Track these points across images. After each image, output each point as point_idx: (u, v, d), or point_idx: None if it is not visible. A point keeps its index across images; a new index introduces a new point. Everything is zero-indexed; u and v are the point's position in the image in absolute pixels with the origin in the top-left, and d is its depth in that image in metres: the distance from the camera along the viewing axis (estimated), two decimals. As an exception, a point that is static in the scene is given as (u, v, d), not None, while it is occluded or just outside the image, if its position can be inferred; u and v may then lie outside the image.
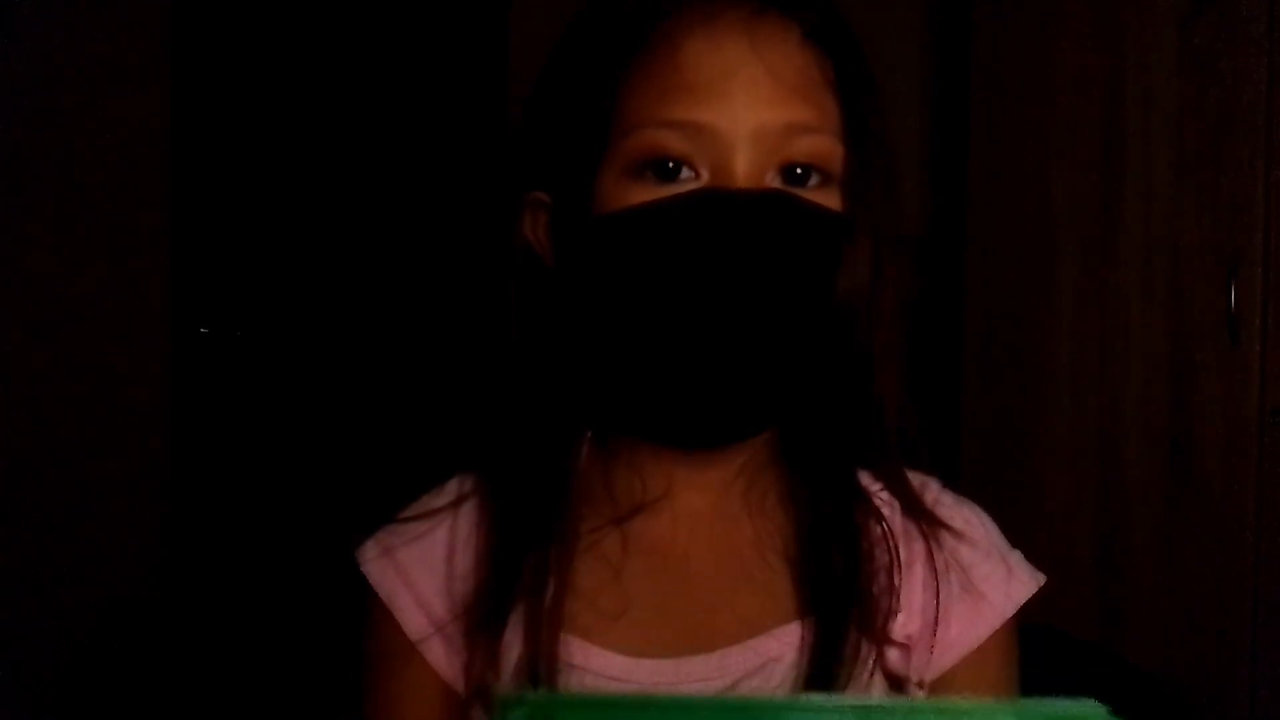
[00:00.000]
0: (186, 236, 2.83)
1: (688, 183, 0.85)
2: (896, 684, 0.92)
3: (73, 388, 2.58)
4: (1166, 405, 2.25)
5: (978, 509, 0.97)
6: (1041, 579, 0.96)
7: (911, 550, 0.93)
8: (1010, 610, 0.94)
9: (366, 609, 0.95)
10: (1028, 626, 0.97)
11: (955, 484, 0.99)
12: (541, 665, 0.88)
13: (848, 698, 0.66)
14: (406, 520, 0.96)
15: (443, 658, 0.92)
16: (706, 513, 0.93)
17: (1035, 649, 1.00)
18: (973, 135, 2.47)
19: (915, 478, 0.96)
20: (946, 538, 0.94)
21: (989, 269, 2.45)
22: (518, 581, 0.90)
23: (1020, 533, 1.00)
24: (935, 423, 2.52)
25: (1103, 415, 2.31)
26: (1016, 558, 0.96)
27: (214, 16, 3.03)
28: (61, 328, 2.57)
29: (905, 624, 0.91)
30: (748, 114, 0.85)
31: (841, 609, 0.89)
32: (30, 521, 2.51)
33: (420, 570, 0.93)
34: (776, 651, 0.89)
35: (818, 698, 0.49)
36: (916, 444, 0.96)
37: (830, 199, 0.88)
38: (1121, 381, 2.30)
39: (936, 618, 0.92)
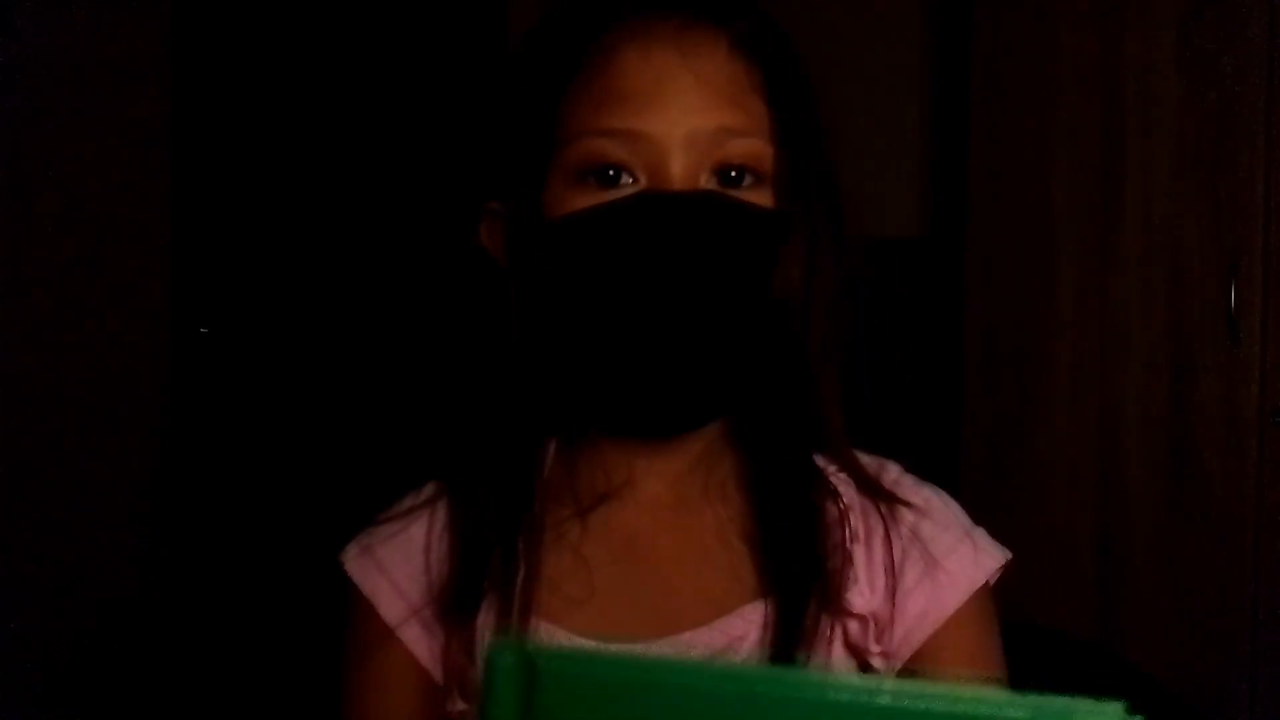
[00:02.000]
0: (186, 236, 2.83)
1: (627, 187, 0.90)
2: (858, 655, 0.95)
3: (73, 388, 2.57)
4: (1166, 405, 2.25)
5: (940, 490, 1.00)
6: (1007, 554, 0.98)
7: (868, 526, 0.96)
8: (980, 578, 0.96)
9: (348, 605, 0.99)
10: (1027, 626, 0.98)
11: (955, 484, 1.00)
12: None
13: (859, 678, 0.67)
14: (385, 520, 1.00)
15: (420, 643, 0.96)
16: (668, 500, 0.97)
17: (1035, 649, 1.00)
18: (973, 135, 2.47)
19: (872, 461, 0.99)
20: (906, 514, 0.96)
21: (989, 269, 2.45)
22: (488, 570, 0.94)
23: (1020, 533, 1.00)
24: (937, 422, 2.52)
25: (1103, 415, 2.31)
26: (980, 534, 0.98)
27: (214, 16, 3.03)
28: (61, 328, 2.56)
29: (865, 597, 0.94)
30: (680, 120, 0.90)
31: (801, 586, 0.92)
32: (29, 521, 2.51)
33: (398, 563, 0.97)
34: (741, 630, 0.92)
35: (827, 676, 0.49)
36: (903, 438, 0.98)
37: (763, 198, 0.92)
38: (1121, 382, 2.30)
39: (895, 589, 0.94)
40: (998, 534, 0.99)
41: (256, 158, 3.19)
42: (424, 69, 3.31)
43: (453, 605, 0.94)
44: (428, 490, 1.00)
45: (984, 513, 1.00)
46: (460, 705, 0.95)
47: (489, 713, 0.48)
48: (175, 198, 2.75)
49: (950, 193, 2.63)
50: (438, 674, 0.96)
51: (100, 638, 2.58)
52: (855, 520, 0.95)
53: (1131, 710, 0.49)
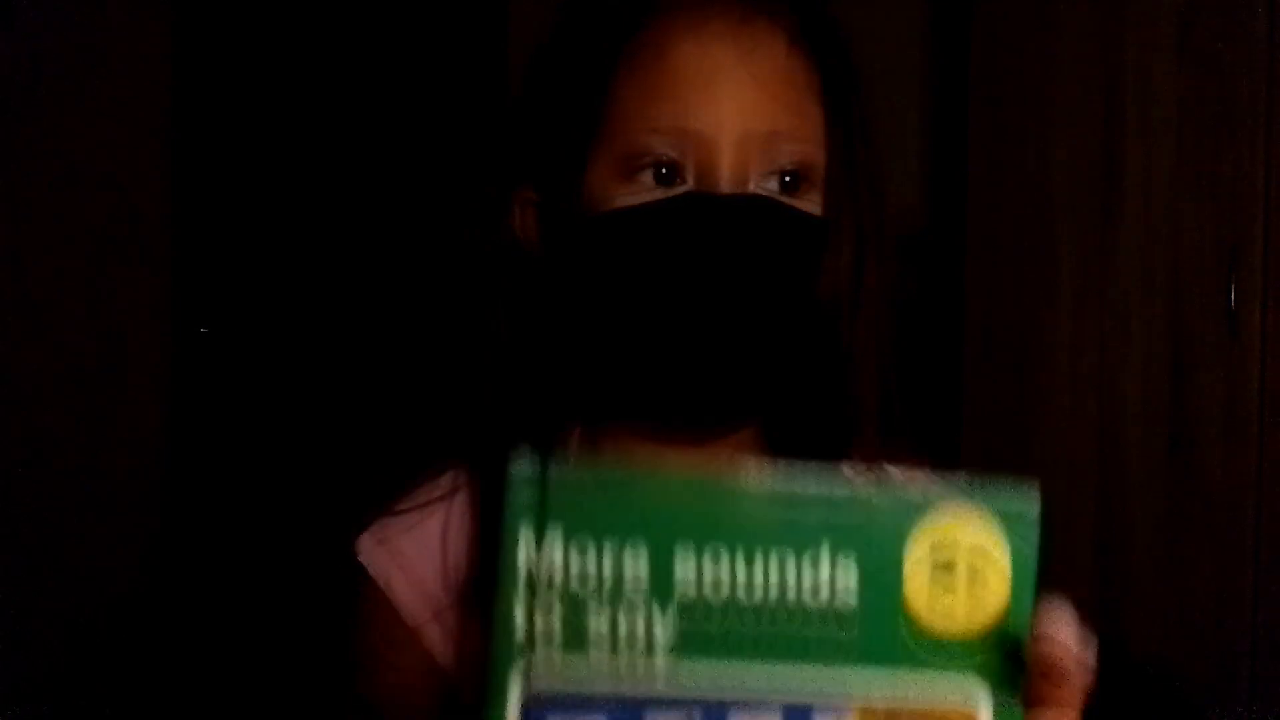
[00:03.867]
0: (186, 236, 2.83)
1: (674, 186, 0.87)
2: None
3: (73, 388, 2.57)
4: (1166, 402, 2.25)
5: None
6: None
7: None
8: None
9: (363, 600, 0.96)
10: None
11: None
12: None
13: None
14: (401, 511, 0.97)
15: (440, 643, 0.93)
16: None
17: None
18: (972, 134, 2.47)
19: (899, 473, 0.96)
20: None
21: (989, 267, 2.45)
22: None
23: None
24: (935, 420, 2.52)
25: (1103, 413, 2.31)
26: None
27: (214, 16, 3.03)
28: (62, 328, 2.56)
29: None
30: (733, 120, 0.86)
31: None
32: (29, 521, 2.51)
33: (416, 557, 0.95)
34: None
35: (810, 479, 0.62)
36: (910, 439, 0.96)
37: (813, 202, 0.90)
38: (1121, 378, 2.30)
39: None
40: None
41: (257, 157, 3.19)
42: (424, 67, 3.31)
43: (469, 602, 0.91)
44: (445, 479, 0.97)
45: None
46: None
47: (509, 520, 0.60)
48: (175, 198, 2.75)
49: (950, 191, 2.63)
50: (453, 670, 0.93)
51: (100, 637, 2.58)
52: None
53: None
